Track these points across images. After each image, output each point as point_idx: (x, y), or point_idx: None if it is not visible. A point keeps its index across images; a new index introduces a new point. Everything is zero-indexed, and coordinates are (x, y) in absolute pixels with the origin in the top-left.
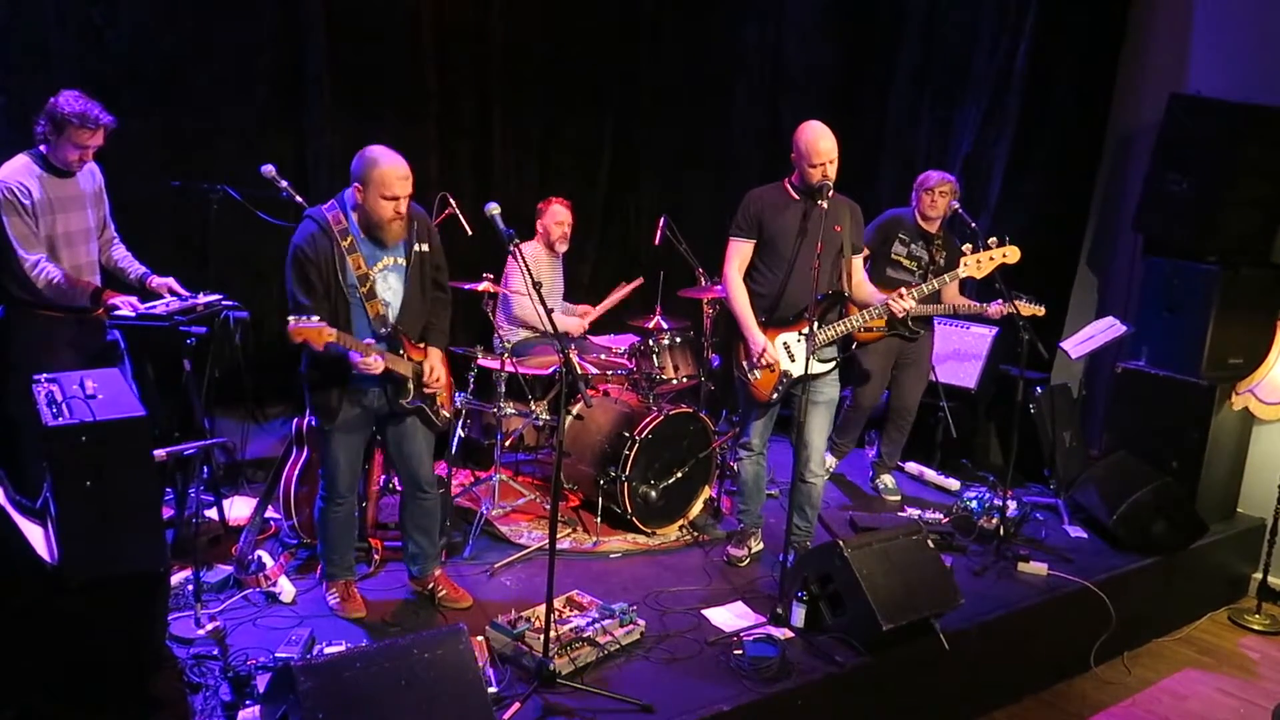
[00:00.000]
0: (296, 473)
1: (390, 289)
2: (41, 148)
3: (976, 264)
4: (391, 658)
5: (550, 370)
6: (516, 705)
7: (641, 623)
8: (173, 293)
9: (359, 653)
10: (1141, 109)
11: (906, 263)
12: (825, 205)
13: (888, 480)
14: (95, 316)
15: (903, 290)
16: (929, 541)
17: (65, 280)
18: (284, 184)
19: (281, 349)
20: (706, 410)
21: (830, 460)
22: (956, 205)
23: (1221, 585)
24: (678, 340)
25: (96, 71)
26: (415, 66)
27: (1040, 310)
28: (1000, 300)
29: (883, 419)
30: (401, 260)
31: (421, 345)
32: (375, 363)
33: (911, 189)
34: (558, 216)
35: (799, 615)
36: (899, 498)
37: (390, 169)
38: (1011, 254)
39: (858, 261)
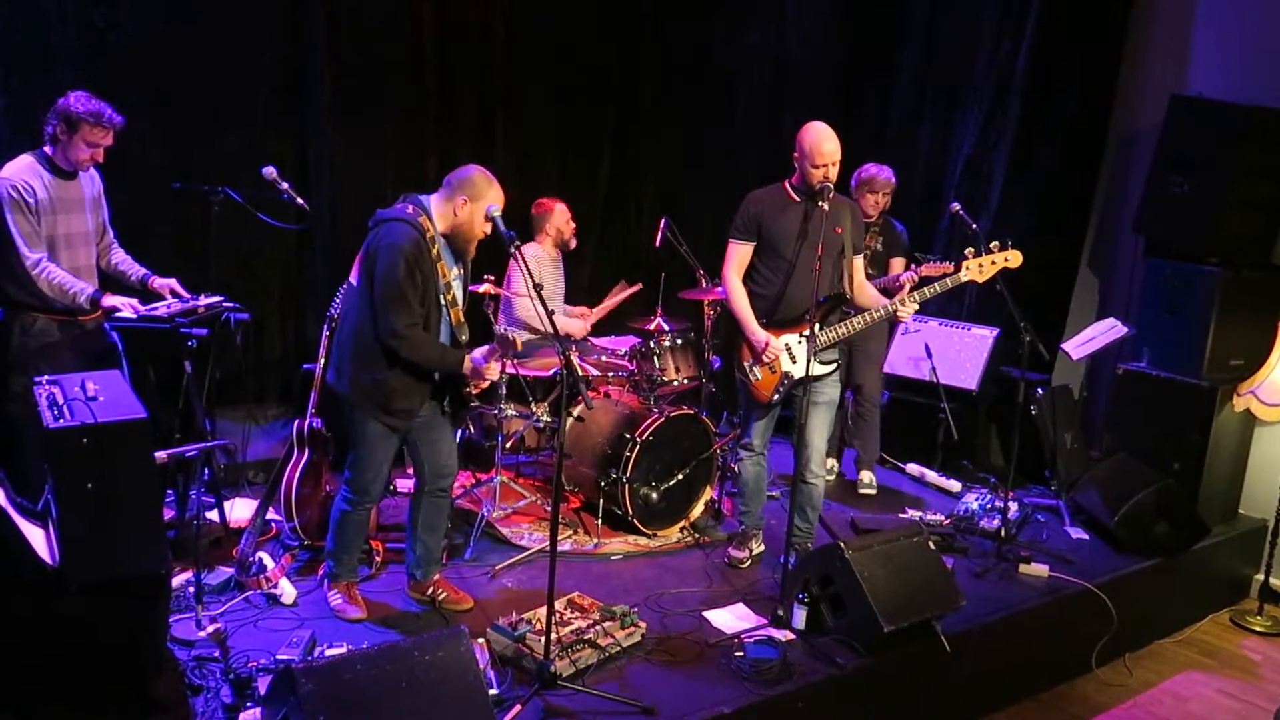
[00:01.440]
0: (298, 474)
1: (458, 297)
2: (47, 148)
3: (979, 268)
4: (392, 660)
5: (551, 372)
6: (517, 707)
7: (642, 624)
8: (174, 294)
9: (360, 655)
10: (1143, 111)
11: None
12: (826, 207)
13: (865, 476)
14: (95, 318)
15: (904, 296)
16: (930, 543)
17: (67, 280)
18: (285, 185)
19: (284, 348)
20: (707, 412)
21: (832, 462)
22: (958, 206)
23: (1223, 587)
24: (679, 342)
25: (98, 72)
26: (416, 67)
27: (948, 266)
28: (913, 267)
29: (853, 415)
30: (461, 271)
31: None
32: (497, 369)
33: (853, 181)
34: (566, 215)
35: (800, 617)
36: (874, 491)
37: (499, 192)
38: (1014, 258)
39: (859, 262)
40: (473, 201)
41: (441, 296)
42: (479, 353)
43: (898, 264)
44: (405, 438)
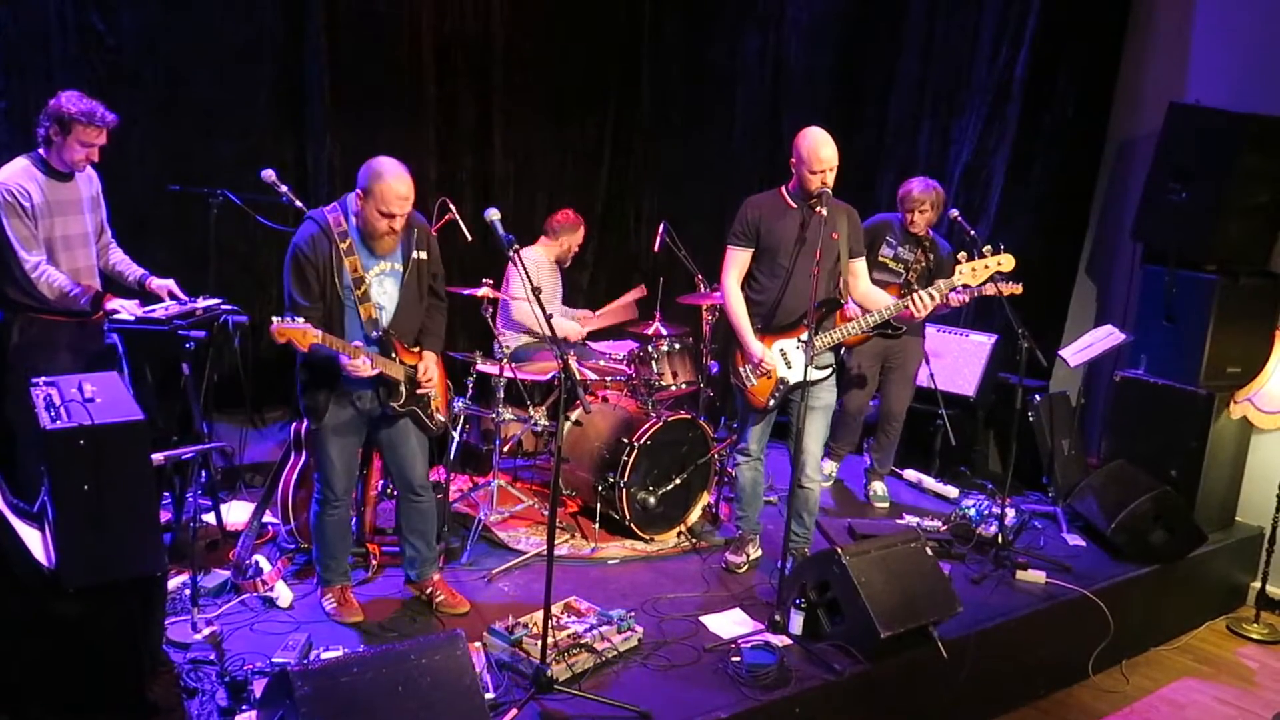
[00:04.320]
0: (294, 477)
1: (385, 294)
2: (41, 150)
3: (972, 272)
4: (388, 663)
5: (549, 376)
6: (514, 711)
7: (639, 629)
8: (172, 296)
9: (356, 658)
10: (1141, 117)
11: (893, 265)
12: (824, 212)
13: (878, 488)
14: (94, 320)
15: (916, 295)
16: (927, 549)
17: (67, 283)
18: (284, 189)
19: (281, 352)
20: (705, 417)
21: (829, 466)
22: (956, 212)
23: (1220, 594)
24: (677, 347)
25: (97, 76)
26: (416, 72)
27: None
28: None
29: (874, 426)
30: (399, 266)
31: (416, 349)
32: (363, 365)
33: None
34: (582, 236)
35: (797, 622)
36: (888, 505)
37: (391, 186)
38: (1006, 262)
39: (862, 265)
40: (364, 196)
41: (349, 292)
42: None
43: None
44: (376, 446)
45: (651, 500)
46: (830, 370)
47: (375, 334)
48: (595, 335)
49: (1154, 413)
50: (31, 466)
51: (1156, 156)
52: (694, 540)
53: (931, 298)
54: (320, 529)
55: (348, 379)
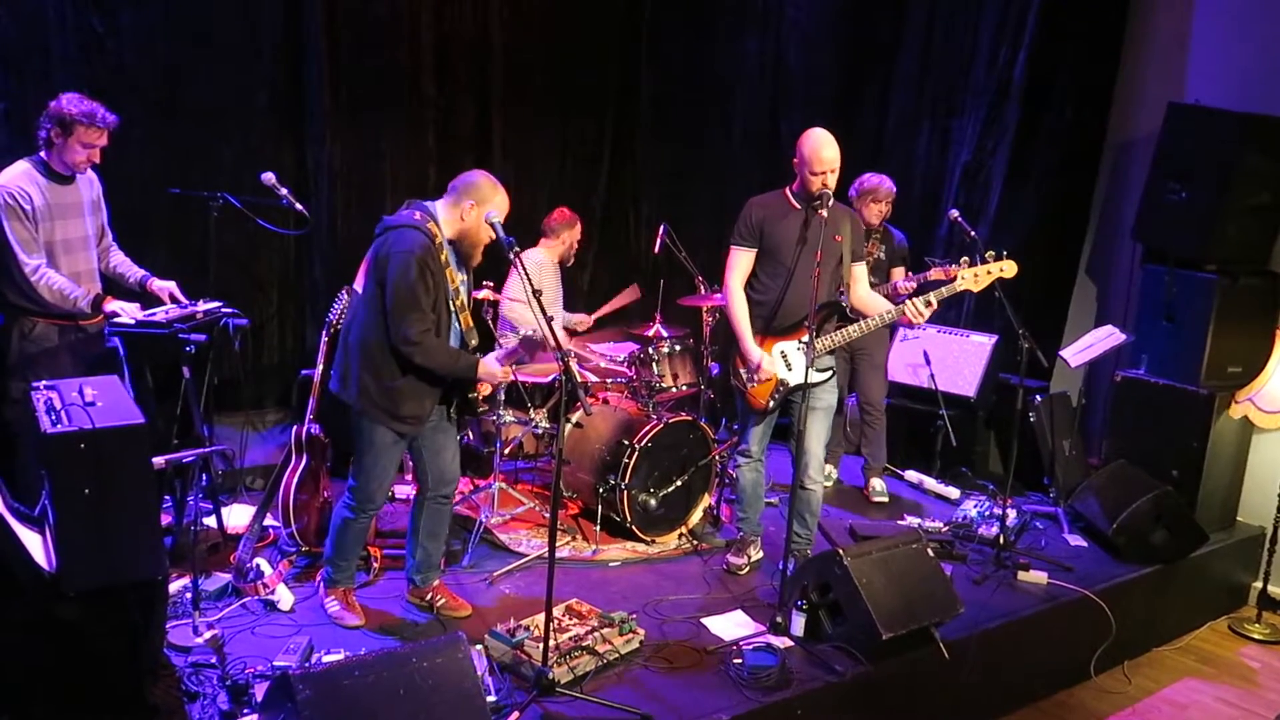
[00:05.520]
0: (296, 480)
1: (464, 304)
2: (42, 154)
3: (974, 278)
4: (390, 666)
5: (550, 378)
6: (515, 714)
7: (641, 631)
8: (173, 298)
9: (357, 661)
10: (1140, 118)
11: None
12: (826, 214)
13: (876, 484)
14: (94, 323)
15: (916, 301)
16: (929, 550)
17: (67, 286)
18: (284, 191)
19: (281, 355)
20: (706, 418)
21: (830, 469)
22: (955, 213)
23: (1221, 594)
24: (677, 348)
25: (97, 79)
26: (415, 74)
27: (954, 270)
28: (909, 274)
29: (861, 423)
30: (467, 277)
31: None
32: (507, 373)
33: (853, 191)
34: (580, 231)
35: (798, 624)
36: (887, 499)
37: (504, 198)
38: (1009, 268)
39: (861, 270)
40: (479, 206)
41: (451, 302)
42: (498, 355)
43: (899, 273)
44: (410, 444)
45: (652, 502)
46: (831, 372)
47: (474, 342)
48: (596, 336)
49: (1155, 413)
50: (32, 470)
51: (1156, 156)
52: (695, 542)
53: (929, 304)
54: (345, 534)
55: (445, 383)
